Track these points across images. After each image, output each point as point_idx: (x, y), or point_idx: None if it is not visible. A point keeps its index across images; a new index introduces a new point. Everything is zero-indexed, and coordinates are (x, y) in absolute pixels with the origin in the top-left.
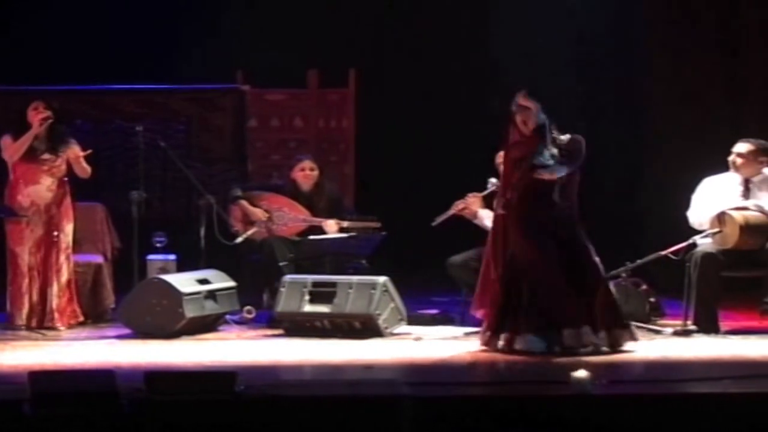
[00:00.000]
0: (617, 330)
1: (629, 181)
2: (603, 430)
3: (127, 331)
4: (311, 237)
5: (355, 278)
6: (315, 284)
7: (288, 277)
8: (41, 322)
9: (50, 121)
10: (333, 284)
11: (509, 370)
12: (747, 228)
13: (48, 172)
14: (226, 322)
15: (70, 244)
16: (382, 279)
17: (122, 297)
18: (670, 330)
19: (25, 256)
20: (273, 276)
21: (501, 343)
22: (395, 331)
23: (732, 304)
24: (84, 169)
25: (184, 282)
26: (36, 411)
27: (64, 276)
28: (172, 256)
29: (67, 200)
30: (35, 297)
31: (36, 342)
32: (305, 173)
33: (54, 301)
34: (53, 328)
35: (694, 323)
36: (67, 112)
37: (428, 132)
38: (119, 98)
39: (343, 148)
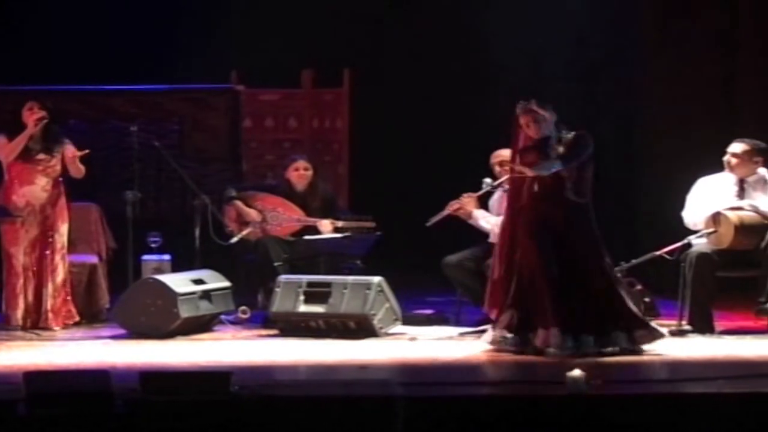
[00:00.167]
0: (638, 330)
1: (624, 181)
2: (598, 430)
3: (121, 331)
4: (306, 237)
5: (350, 278)
6: (310, 284)
7: (283, 278)
8: (36, 323)
9: (45, 121)
10: (328, 284)
11: (505, 370)
12: (742, 228)
13: (43, 172)
14: (221, 323)
15: (65, 244)
16: (376, 279)
17: (117, 297)
18: (665, 330)
19: (20, 256)
20: (268, 276)
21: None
22: (390, 332)
23: (727, 304)
24: (78, 169)
25: (179, 282)
26: (31, 411)
27: (60, 276)
28: (167, 257)
29: (62, 200)
30: (30, 297)
31: (31, 342)
32: (299, 173)
33: (49, 302)
34: (48, 329)
35: (689, 323)
36: (62, 112)
37: (423, 132)
38: (114, 98)
39: (337, 148)
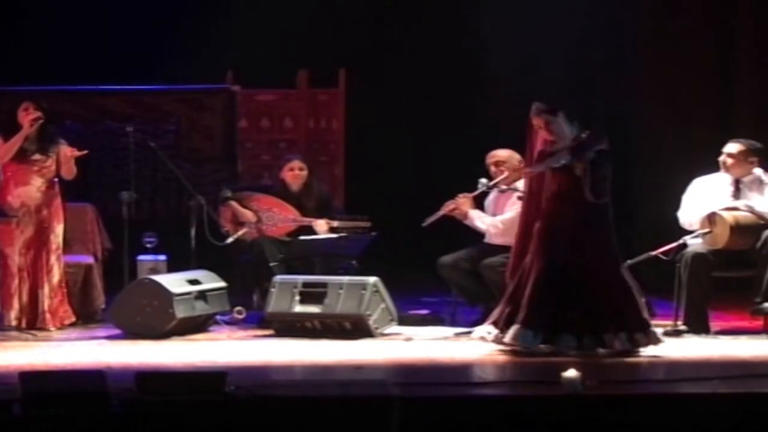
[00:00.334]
0: (638, 333)
1: (620, 182)
2: (593, 430)
3: (117, 331)
4: (301, 237)
5: (345, 279)
6: (305, 285)
7: (278, 278)
8: (32, 323)
9: (41, 121)
10: (323, 285)
11: (500, 370)
12: (737, 228)
13: (38, 172)
14: (217, 323)
15: (61, 244)
16: (372, 279)
17: (112, 297)
18: (660, 330)
19: (15, 257)
20: (263, 276)
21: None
22: (386, 332)
23: (722, 304)
24: (71, 170)
25: (175, 282)
26: (26, 411)
27: (56, 277)
28: (163, 257)
29: (57, 201)
30: (25, 298)
31: (26, 342)
32: (294, 173)
33: (46, 302)
34: (45, 329)
35: (685, 323)
36: (57, 113)
37: (419, 132)
38: (109, 99)
39: (333, 148)
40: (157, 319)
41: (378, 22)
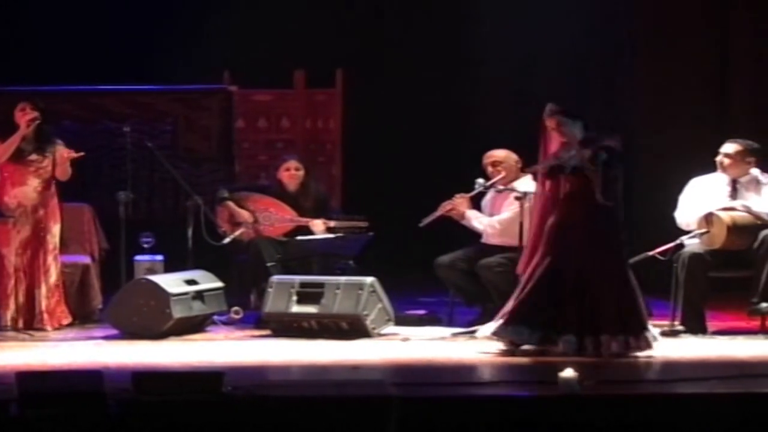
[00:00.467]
0: (633, 337)
1: None
2: (591, 430)
3: (114, 331)
4: (298, 237)
5: (342, 279)
6: (302, 285)
7: (275, 278)
8: (29, 324)
9: (38, 122)
10: (320, 285)
11: (497, 370)
12: (734, 228)
13: (35, 173)
14: (214, 323)
15: (57, 245)
16: (369, 279)
17: (109, 298)
18: (657, 330)
19: (12, 257)
20: (260, 276)
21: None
22: (383, 332)
23: (719, 304)
24: (65, 172)
25: (172, 282)
26: (23, 411)
27: (52, 277)
28: (160, 257)
29: (54, 201)
30: (21, 298)
31: (23, 342)
32: (290, 173)
33: (43, 303)
34: (42, 329)
35: (682, 324)
36: (54, 113)
37: (416, 132)
38: (106, 99)
39: (330, 148)
40: (154, 319)
41: (375, 23)
